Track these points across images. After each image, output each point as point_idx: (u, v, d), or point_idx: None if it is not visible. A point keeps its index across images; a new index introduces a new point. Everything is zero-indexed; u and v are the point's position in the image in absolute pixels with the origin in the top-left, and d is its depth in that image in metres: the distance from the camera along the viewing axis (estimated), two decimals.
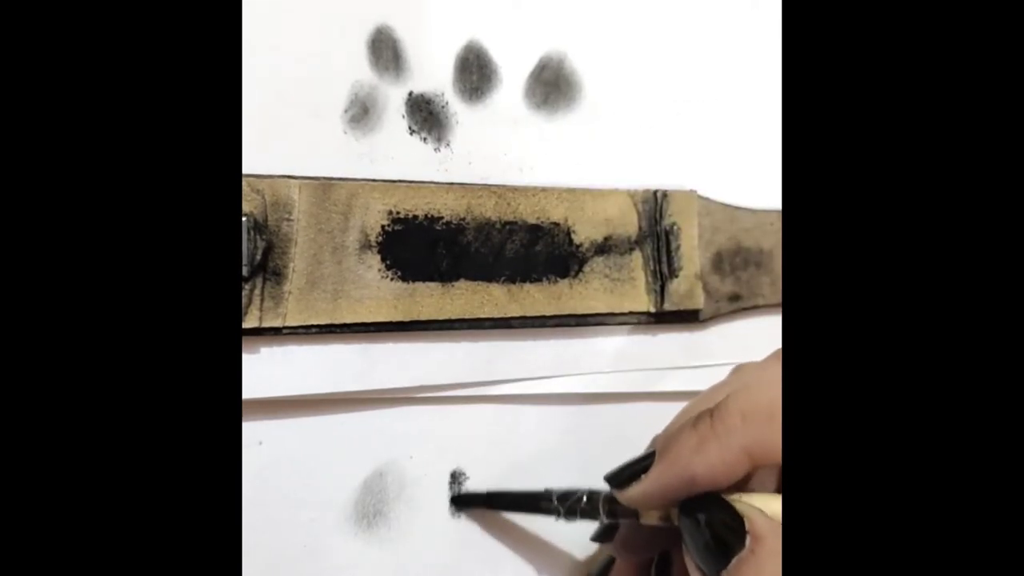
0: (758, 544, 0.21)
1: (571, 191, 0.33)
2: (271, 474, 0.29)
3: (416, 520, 0.31)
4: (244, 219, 0.27)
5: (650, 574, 0.28)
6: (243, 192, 0.28)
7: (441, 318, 0.31)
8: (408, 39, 0.32)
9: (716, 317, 0.36)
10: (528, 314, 0.32)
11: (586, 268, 0.33)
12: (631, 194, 0.34)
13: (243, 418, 0.28)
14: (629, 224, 0.34)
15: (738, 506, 0.22)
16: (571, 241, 0.33)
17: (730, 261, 0.36)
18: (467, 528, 0.32)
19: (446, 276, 0.31)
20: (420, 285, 0.30)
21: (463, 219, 0.31)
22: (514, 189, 0.32)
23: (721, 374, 0.27)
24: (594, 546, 0.33)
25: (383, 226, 0.30)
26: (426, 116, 0.32)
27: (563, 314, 0.33)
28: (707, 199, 0.36)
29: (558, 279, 0.33)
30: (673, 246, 0.34)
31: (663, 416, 0.28)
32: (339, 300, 0.29)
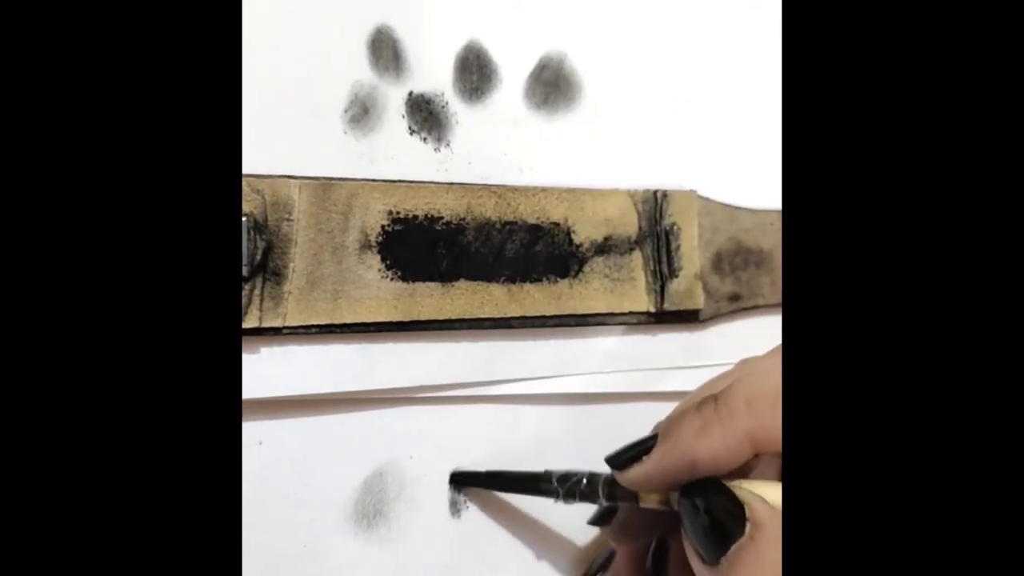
0: (758, 531, 0.21)
1: (571, 191, 0.33)
2: (271, 474, 0.29)
3: (416, 520, 0.31)
4: (244, 219, 0.27)
5: (647, 561, 0.28)
6: (243, 192, 0.28)
7: (441, 318, 0.31)
8: (408, 39, 0.32)
9: (716, 317, 0.36)
10: (528, 314, 0.32)
11: (586, 268, 0.33)
12: (631, 194, 0.34)
13: (243, 418, 0.28)
14: (629, 224, 0.34)
15: (739, 492, 0.22)
16: (571, 241, 0.33)
17: (730, 261, 0.36)
18: (467, 528, 0.32)
19: (446, 276, 0.31)
20: (420, 285, 0.30)
21: (463, 219, 0.31)
22: (514, 189, 0.32)
23: None
24: (595, 545, 0.33)
25: (383, 226, 0.30)
26: (426, 116, 0.32)
27: (563, 314, 0.33)
28: (707, 199, 0.36)
29: (558, 279, 0.33)
30: (673, 246, 0.34)
31: (663, 416, 0.28)
32: (339, 300, 0.29)
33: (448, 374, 0.31)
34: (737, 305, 0.37)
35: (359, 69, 0.31)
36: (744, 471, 0.23)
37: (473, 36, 0.33)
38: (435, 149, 0.32)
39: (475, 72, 0.33)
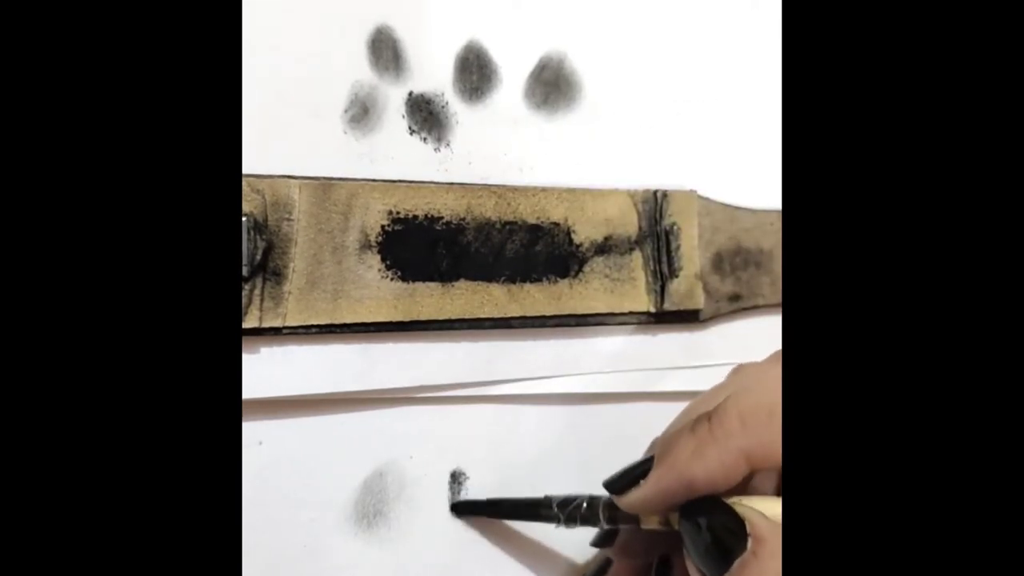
0: (760, 546, 0.21)
1: (571, 191, 0.33)
2: (271, 474, 0.29)
3: (416, 520, 0.31)
4: (244, 219, 0.27)
5: None
6: (243, 192, 0.28)
7: (441, 318, 0.31)
8: (408, 39, 0.32)
9: (716, 317, 0.36)
10: (528, 314, 0.32)
11: (586, 268, 0.33)
12: (631, 194, 0.34)
13: (243, 418, 0.28)
14: (629, 224, 0.34)
15: (738, 509, 0.22)
16: (571, 241, 0.33)
17: (730, 261, 0.36)
18: (467, 528, 0.32)
19: (446, 276, 0.31)
20: (420, 285, 0.30)
21: (463, 219, 0.31)
22: (514, 189, 0.32)
23: (721, 374, 0.27)
24: (594, 551, 0.33)
25: (383, 226, 0.30)
26: (426, 116, 0.32)
27: (563, 314, 0.33)
28: (707, 199, 0.36)
29: (558, 279, 0.33)
30: (673, 246, 0.34)
31: (663, 416, 0.28)
32: (339, 300, 0.29)
33: (448, 374, 0.31)
34: (737, 305, 0.37)
35: (359, 69, 0.31)
36: (741, 487, 0.23)
37: (473, 36, 0.33)
38: (435, 149, 0.32)
39: (475, 72, 0.33)
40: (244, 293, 0.27)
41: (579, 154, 0.35)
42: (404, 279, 0.30)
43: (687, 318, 0.35)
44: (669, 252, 0.34)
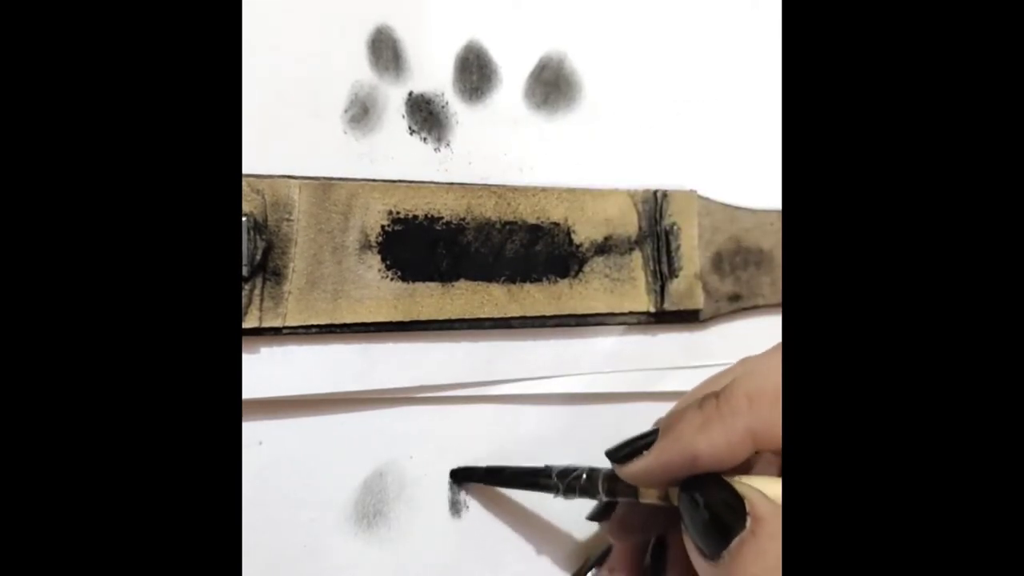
0: (759, 525, 0.21)
1: (571, 191, 0.33)
2: (271, 474, 0.29)
3: (416, 520, 0.31)
4: (244, 219, 0.27)
5: (646, 559, 0.28)
6: (243, 192, 0.28)
7: (441, 318, 0.31)
8: (408, 39, 0.32)
9: (716, 317, 0.36)
10: (528, 314, 0.32)
11: (586, 268, 0.33)
12: (631, 194, 0.34)
13: (243, 418, 0.28)
14: (629, 224, 0.34)
15: (738, 487, 0.22)
16: (571, 241, 0.33)
17: (730, 261, 0.36)
18: (467, 528, 0.32)
19: (446, 276, 0.31)
20: (420, 285, 0.30)
21: (463, 219, 0.31)
22: (514, 189, 0.32)
23: None
24: (595, 545, 0.33)
25: (383, 226, 0.30)
26: (426, 116, 0.32)
27: (563, 314, 0.33)
28: (707, 199, 0.36)
29: (558, 279, 0.33)
30: (673, 246, 0.34)
31: (663, 415, 0.28)
32: (339, 300, 0.29)
33: (448, 374, 0.31)
34: (737, 305, 0.37)
35: (359, 69, 0.31)
36: (744, 468, 0.23)
37: (473, 36, 0.33)
38: (435, 149, 0.32)
39: (475, 72, 0.33)
40: (244, 293, 0.27)
41: (579, 154, 0.35)
42: (404, 279, 0.30)
43: (687, 318, 0.35)
44: (669, 252, 0.34)
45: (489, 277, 0.31)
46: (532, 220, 0.32)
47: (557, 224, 0.33)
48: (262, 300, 0.28)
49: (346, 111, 0.31)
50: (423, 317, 0.30)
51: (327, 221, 0.29)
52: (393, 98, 0.32)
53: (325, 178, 0.29)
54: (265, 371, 0.28)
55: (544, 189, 0.33)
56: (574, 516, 0.32)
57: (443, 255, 0.31)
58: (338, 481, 0.30)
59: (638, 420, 0.27)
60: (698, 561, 0.22)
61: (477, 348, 0.32)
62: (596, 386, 0.34)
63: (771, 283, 0.37)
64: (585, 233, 0.33)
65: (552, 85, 0.34)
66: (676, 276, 0.34)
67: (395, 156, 0.31)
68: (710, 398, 0.23)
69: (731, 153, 0.38)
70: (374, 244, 0.30)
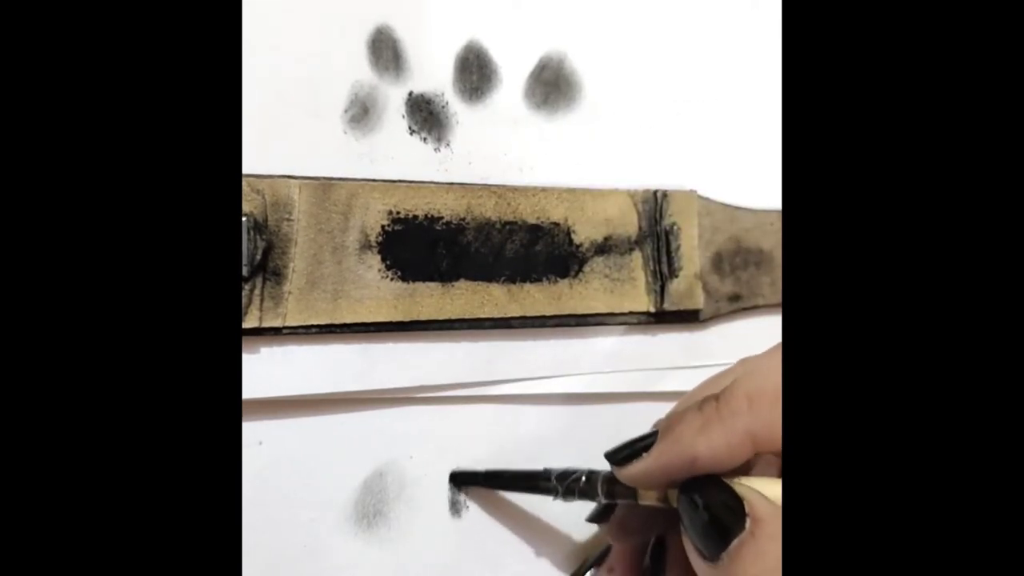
0: (758, 526, 0.21)
1: (571, 191, 0.33)
2: (271, 474, 0.29)
3: (416, 520, 0.31)
4: (244, 219, 0.27)
5: (645, 560, 0.28)
6: (243, 192, 0.28)
7: (441, 318, 0.31)
8: (408, 39, 0.32)
9: (716, 317, 0.36)
10: (528, 314, 0.32)
11: (586, 268, 0.33)
12: (631, 194, 0.34)
13: (243, 418, 0.28)
14: (629, 224, 0.34)
15: (738, 488, 0.22)
16: (571, 241, 0.33)
17: (730, 261, 0.36)
18: (467, 528, 0.32)
19: (446, 276, 0.31)
20: (420, 285, 0.30)
21: (463, 219, 0.31)
22: (514, 189, 0.32)
23: None
24: (594, 545, 0.33)
25: (383, 226, 0.30)
26: (426, 116, 0.32)
27: (563, 314, 0.33)
28: (707, 199, 0.36)
29: (558, 279, 0.33)
30: (673, 246, 0.34)
31: (663, 416, 0.28)
32: (339, 300, 0.29)
33: (448, 374, 0.31)
34: (737, 305, 0.37)
35: (359, 69, 0.31)
36: (743, 469, 0.23)
37: (473, 36, 0.33)
38: (435, 149, 0.32)
39: (475, 72, 0.33)
40: (244, 293, 0.27)
41: (579, 154, 0.35)
42: (404, 279, 0.30)
43: (687, 318, 0.35)
44: (669, 252, 0.34)
45: (489, 277, 0.31)
46: (532, 220, 0.32)
47: (557, 224, 0.33)
48: (262, 300, 0.28)
49: (346, 111, 0.31)
50: (423, 317, 0.30)
51: (327, 221, 0.29)
52: (393, 98, 0.32)
53: (325, 178, 0.29)
54: (265, 371, 0.28)
55: (544, 189, 0.33)
56: (574, 516, 0.32)
57: (443, 255, 0.31)
58: (338, 481, 0.30)
59: (638, 420, 0.27)
60: (697, 562, 0.22)
61: (477, 348, 0.32)
62: (596, 386, 0.34)
63: (771, 283, 0.37)
64: (585, 233, 0.33)
65: (552, 85, 0.34)
66: (676, 276, 0.34)
67: (395, 156, 0.31)
68: (710, 400, 0.23)
69: (731, 153, 0.38)
70: (374, 244, 0.30)
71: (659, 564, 0.28)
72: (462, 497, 0.32)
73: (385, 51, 0.32)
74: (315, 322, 0.29)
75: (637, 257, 0.34)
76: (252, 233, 0.28)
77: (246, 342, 0.28)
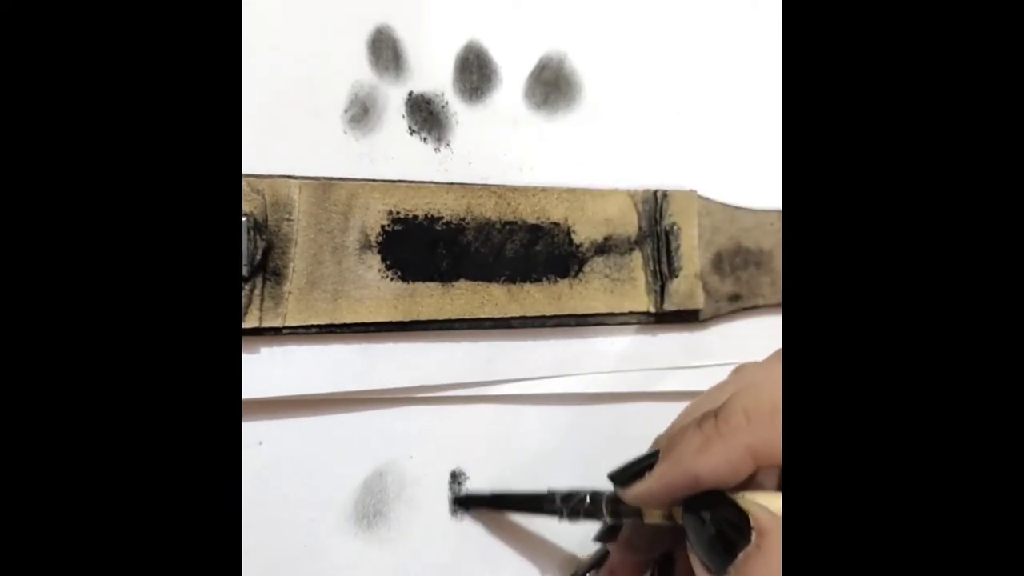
0: (764, 539, 0.21)
1: (571, 191, 0.33)
2: (271, 474, 0.29)
3: (416, 520, 0.31)
4: (244, 219, 0.27)
5: (653, 573, 0.28)
6: (243, 192, 0.28)
7: (441, 318, 0.31)
8: (408, 39, 0.32)
9: (716, 317, 0.36)
10: (528, 314, 0.32)
11: (586, 268, 0.33)
12: (631, 194, 0.34)
13: (243, 418, 0.28)
14: (629, 224, 0.34)
15: (741, 503, 0.22)
16: (571, 241, 0.33)
17: (730, 261, 0.36)
18: (467, 528, 0.32)
19: (446, 276, 0.31)
20: (420, 285, 0.30)
21: (463, 219, 0.31)
22: (514, 189, 0.32)
23: (721, 374, 0.27)
24: (594, 545, 0.33)
25: (383, 226, 0.30)
26: (426, 116, 0.32)
27: (563, 314, 0.33)
28: (707, 199, 0.36)
29: (558, 279, 0.33)
30: (673, 246, 0.34)
31: (663, 416, 0.28)
32: (339, 300, 0.29)
33: (448, 374, 0.31)
34: (737, 305, 0.37)
35: (359, 69, 0.31)
36: (745, 484, 0.23)
37: (473, 36, 0.33)
38: (435, 149, 0.32)
39: (475, 72, 0.33)
40: (244, 293, 0.27)
41: (579, 154, 0.35)
42: (404, 279, 0.30)
43: (687, 318, 0.35)
44: (669, 252, 0.34)
45: (489, 277, 0.31)
46: (532, 220, 0.32)
47: (557, 224, 0.33)
48: (262, 300, 0.28)
49: (346, 111, 0.31)
50: (423, 317, 0.30)
51: (327, 221, 0.29)
52: (393, 98, 0.32)
53: (325, 178, 0.29)
54: (265, 371, 0.28)
55: (544, 189, 0.33)
56: None
57: (443, 255, 0.31)
58: (338, 481, 0.30)
59: (638, 420, 0.27)
60: None
61: (477, 348, 0.32)
62: (596, 386, 0.34)
63: (771, 283, 0.37)
64: (585, 233, 0.33)
65: (552, 85, 0.34)
66: (676, 276, 0.34)
67: (395, 156, 0.31)
68: (708, 417, 0.23)
69: (731, 153, 0.38)
70: (374, 244, 0.30)
71: None
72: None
73: (385, 51, 0.32)
74: (315, 322, 0.29)
75: (637, 257, 0.34)
76: (252, 233, 0.28)
77: (246, 342, 0.28)
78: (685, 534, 0.23)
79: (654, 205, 0.35)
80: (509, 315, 0.32)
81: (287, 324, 0.28)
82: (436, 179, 0.32)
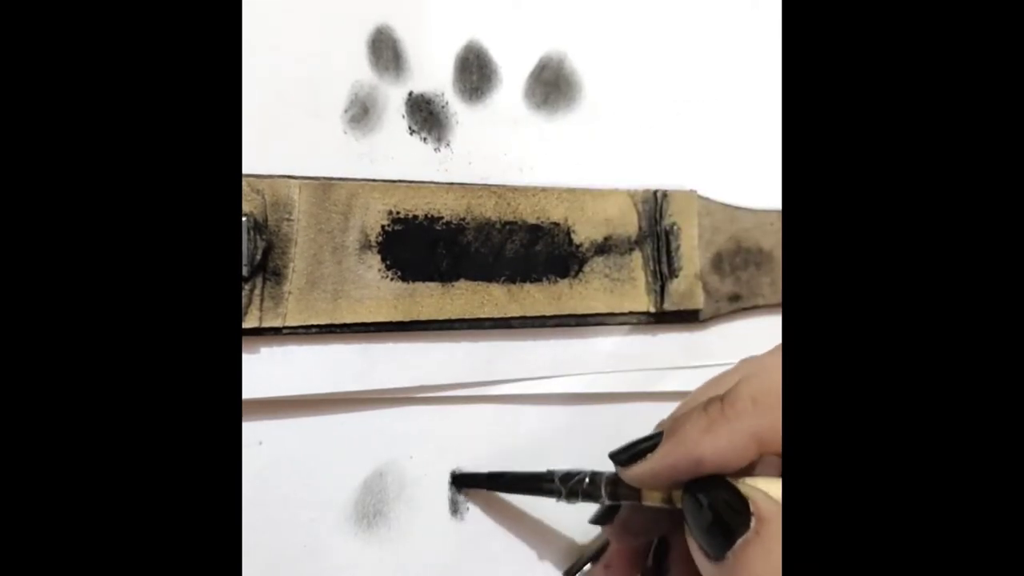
0: (763, 525, 0.21)
1: (571, 191, 0.33)
2: (271, 474, 0.29)
3: (416, 520, 0.31)
4: (244, 219, 0.27)
5: (647, 559, 0.28)
6: (243, 192, 0.28)
7: (441, 318, 0.31)
8: (408, 39, 0.32)
9: (716, 317, 0.36)
10: (528, 314, 0.32)
11: (586, 268, 0.33)
12: (631, 194, 0.34)
13: (243, 418, 0.28)
14: (629, 224, 0.34)
15: (742, 488, 0.22)
16: (571, 241, 0.33)
17: (730, 261, 0.36)
18: (467, 528, 0.32)
19: (446, 276, 0.31)
20: (420, 285, 0.30)
21: (463, 219, 0.31)
22: (514, 189, 0.32)
23: None
24: (593, 542, 0.33)
25: (383, 226, 0.30)
26: (426, 116, 0.32)
27: (563, 314, 0.33)
28: (707, 199, 0.36)
29: (558, 279, 0.33)
30: (673, 246, 0.34)
31: (663, 416, 0.27)
32: (339, 300, 0.29)
33: (448, 374, 0.31)
34: (737, 305, 0.37)
35: (359, 69, 0.31)
36: (747, 469, 0.23)
37: (473, 36, 0.33)
38: (435, 149, 0.32)
39: (475, 72, 0.33)
40: (244, 293, 0.27)
41: (579, 154, 0.35)
42: (404, 279, 0.30)
43: (687, 318, 0.35)
44: (669, 252, 0.34)
45: (489, 277, 0.31)
46: (532, 220, 0.32)
47: (557, 224, 0.33)
48: (262, 300, 0.28)
49: (346, 111, 0.31)
50: (423, 317, 0.30)
51: (327, 221, 0.29)
52: (393, 98, 0.32)
53: (325, 178, 0.29)
54: (265, 371, 0.28)
55: (544, 189, 0.33)
56: (574, 516, 0.32)
57: (443, 255, 0.31)
58: (338, 481, 0.30)
59: (638, 420, 0.27)
60: (702, 562, 0.22)
61: (477, 348, 0.32)
62: (596, 386, 0.34)
63: (771, 283, 0.37)
64: (585, 233, 0.33)
65: (552, 85, 0.34)
66: (676, 276, 0.34)
67: (395, 156, 0.31)
68: (715, 401, 0.23)
69: (731, 153, 0.38)
70: (374, 244, 0.30)
71: (662, 564, 0.28)
72: (462, 497, 0.32)
73: (385, 51, 0.32)
74: (315, 322, 0.29)
75: (637, 257, 0.34)
76: (252, 233, 0.28)
77: (246, 342, 0.28)
78: (683, 518, 0.23)
79: (654, 205, 0.35)
80: (509, 315, 0.32)
81: (287, 324, 0.28)
82: (436, 179, 0.32)
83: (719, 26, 0.38)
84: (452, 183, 0.32)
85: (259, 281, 0.28)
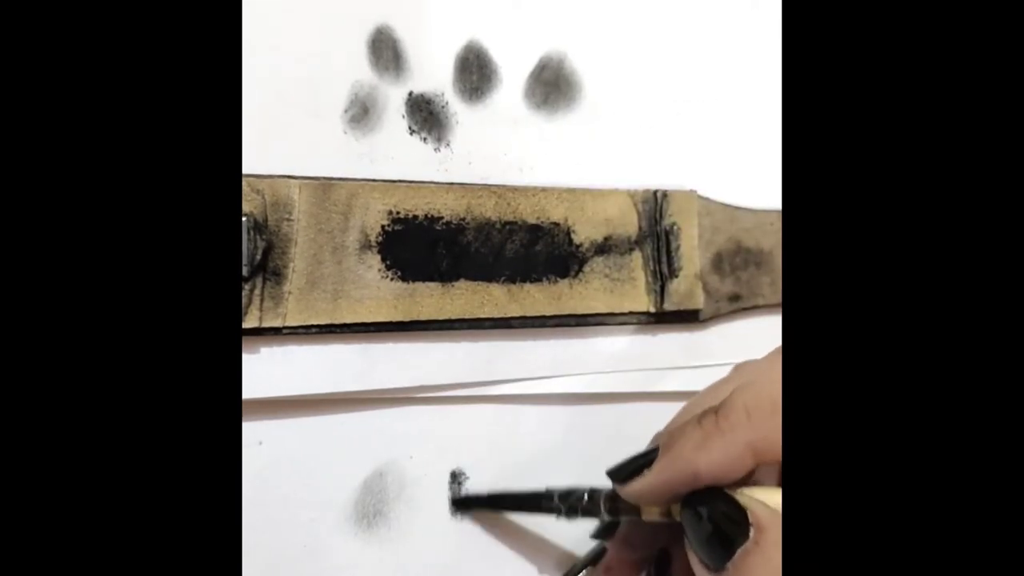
0: (762, 535, 0.21)
1: (571, 191, 0.33)
2: (271, 474, 0.29)
3: (416, 520, 0.31)
4: (244, 219, 0.27)
5: (649, 571, 0.28)
6: (243, 192, 0.28)
7: (441, 318, 0.31)
8: (408, 39, 0.32)
9: (716, 317, 0.36)
10: (528, 314, 0.32)
11: (586, 268, 0.33)
12: (631, 194, 0.34)
13: (243, 418, 0.28)
14: (629, 224, 0.34)
15: (740, 499, 0.22)
16: (571, 241, 0.33)
17: (730, 261, 0.36)
18: (467, 528, 0.32)
19: (446, 276, 0.31)
20: (420, 285, 0.30)
21: (463, 219, 0.31)
22: (514, 189, 0.32)
23: (721, 374, 0.27)
24: (592, 542, 0.33)
25: (383, 226, 0.30)
26: (426, 116, 0.32)
27: (563, 314, 0.33)
28: (707, 199, 0.36)
29: (558, 279, 0.33)
30: (673, 246, 0.34)
31: (663, 416, 0.28)
32: (339, 300, 0.29)
33: (448, 374, 0.31)
34: (737, 305, 0.37)
35: (359, 69, 0.31)
36: (745, 479, 0.23)
37: (473, 36, 0.33)
38: (435, 149, 0.32)
39: (475, 72, 0.33)
40: (244, 293, 0.27)
41: (579, 154, 0.35)
42: (404, 279, 0.30)
43: (687, 318, 0.35)
44: (669, 252, 0.34)
45: (489, 277, 0.31)
46: (532, 220, 0.32)
47: (557, 224, 0.33)
48: (262, 300, 0.28)
49: (346, 111, 0.31)
50: (423, 317, 0.30)
51: (327, 221, 0.29)
52: (393, 98, 0.32)
53: (325, 178, 0.29)
54: (265, 371, 0.28)
55: (544, 189, 0.33)
56: None
57: (443, 255, 0.31)
58: (338, 481, 0.30)
59: (638, 420, 0.27)
60: (702, 573, 0.22)
61: (477, 348, 0.32)
62: (596, 386, 0.34)
63: (771, 283, 0.37)
64: (585, 233, 0.33)
65: (552, 85, 0.34)
66: (676, 276, 0.34)
67: (395, 156, 0.31)
68: (709, 414, 0.23)
69: (731, 153, 0.38)
70: (374, 244, 0.30)
71: (663, 574, 0.28)
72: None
73: (385, 51, 0.32)
74: (315, 322, 0.29)
75: (637, 257, 0.34)
76: (252, 233, 0.28)
77: (246, 342, 0.28)
78: (683, 531, 0.23)
79: (654, 205, 0.35)
80: (509, 315, 0.32)
81: (287, 324, 0.28)
82: (436, 179, 0.32)
83: (719, 26, 0.38)
84: (452, 183, 0.32)
85: (259, 281, 0.28)
